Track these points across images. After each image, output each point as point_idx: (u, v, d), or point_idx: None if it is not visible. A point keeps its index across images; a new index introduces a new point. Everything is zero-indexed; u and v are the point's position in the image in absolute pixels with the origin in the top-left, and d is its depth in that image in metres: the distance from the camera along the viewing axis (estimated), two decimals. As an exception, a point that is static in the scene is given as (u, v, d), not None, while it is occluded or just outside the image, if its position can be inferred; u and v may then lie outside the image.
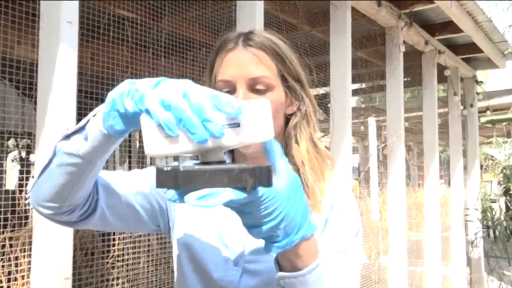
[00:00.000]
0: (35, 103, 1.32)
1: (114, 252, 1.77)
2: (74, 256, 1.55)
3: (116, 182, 0.82)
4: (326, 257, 0.66)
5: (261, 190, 0.54)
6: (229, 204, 0.53)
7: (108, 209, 0.79)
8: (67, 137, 0.68)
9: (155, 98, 0.55)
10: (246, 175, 0.52)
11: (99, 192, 0.78)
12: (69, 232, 1.29)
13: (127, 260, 1.83)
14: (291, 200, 0.57)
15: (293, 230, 0.58)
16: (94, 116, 0.66)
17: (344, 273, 0.74)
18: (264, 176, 0.53)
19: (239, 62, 0.79)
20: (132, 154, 4.41)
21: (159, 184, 0.52)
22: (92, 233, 1.80)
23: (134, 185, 0.84)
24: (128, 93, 0.58)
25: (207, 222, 0.85)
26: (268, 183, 0.54)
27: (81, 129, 0.67)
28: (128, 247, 1.83)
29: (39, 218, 1.26)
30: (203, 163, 0.55)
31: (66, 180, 0.68)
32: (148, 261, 1.96)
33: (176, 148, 0.54)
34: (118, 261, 1.78)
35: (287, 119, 0.85)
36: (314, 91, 4.15)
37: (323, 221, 0.79)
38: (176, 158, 0.64)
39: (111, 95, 0.61)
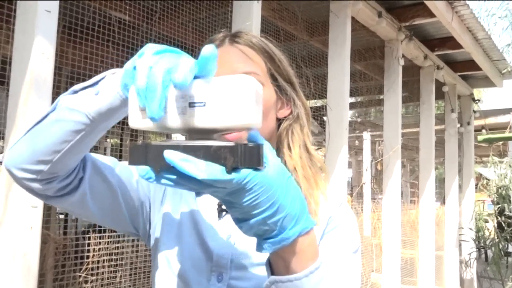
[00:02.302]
0: (7, 96, 1.21)
1: (88, 264, 1.62)
2: (41, 269, 1.42)
3: (107, 165, 0.74)
4: (326, 262, 0.57)
5: (247, 174, 0.45)
6: (213, 189, 0.46)
7: (90, 192, 0.71)
8: (75, 92, 0.60)
9: (144, 64, 0.49)
10: (226, 152, 0.44)
11: (86, 170, 0.70)
12: (35, 240, 1.17)
13: (102, 274, 1.69)
14: (286, 188, 0.50)
15: (289, 223, 0.50)
16: (113, 74, 0.59)
17: None
18: (252, 156, 0.45)
19: (225, 59, 0.74)
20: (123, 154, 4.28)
21: (131, 161, 0.46)
22: (64, 243, 1.66)
23: (123, 175, 0.76)
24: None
25: (191, 231, 0.77)
26: (257, 164, 0.45)
27: (94, 84, 0.59)
28: (103, 260, 1.69)
29: (1, 222, 1.13)
30: (187, 139, 0.49)
31: (59, 139, 0.60)
32: (126, 275, 1.82)
33: (144, 123, 0.48)
34: (92, 275, 1.65)
35: (279, 124, 0.79)
36: (310, 103, 4.08)
37: (320, 234, 0.71)
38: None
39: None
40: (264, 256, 0.70)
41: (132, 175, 0.78)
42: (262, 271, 0.70)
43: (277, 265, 0.55)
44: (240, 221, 0.50)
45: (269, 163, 0.49)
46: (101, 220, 0.79)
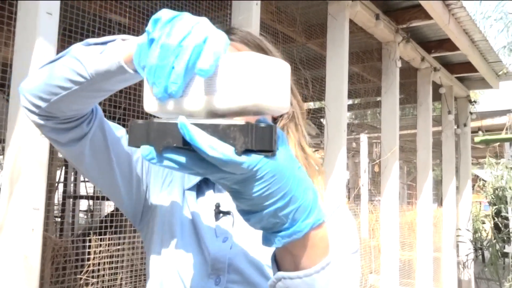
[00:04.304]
0: (7, 101, 1.20)
1: (88, 267, 1.62)
2: (42, 271, 1.41)
3: (113, 133, 0.75)
4: (336, 258, 0.54)
5: (259, 160, 0.42)
6: (220, 175, 0.42)
7: (90, 148, 0.71)
8: (88, 44, 0.62)
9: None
10: (235, 131, 0.40)
11: (92, 127, 0.71)
12: (37, 242, 1.16)
13: (103, 276, 1.68)
14: (298, 177, 0.46)
15: (302, 215, 0.46)
16: (123, 40, 0.59)
17: None
18: (264, 137, 0.41)
19: None
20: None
21: (131, 141, 0.43)
22: (65, 245, 1.66)
23: (126, 147, 0.76)
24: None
25: (190, 231, 0.75)
26: (269, 147, 0.41)
27: (103, 43, 0.60)
28: (104, 262, 1.68)
29: (2, 225, 1.13)
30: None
31: (58, 83, 0.62)
32: (126, 277, 1.81)
33: (161, 107, 0.47)
34: (92, 277, 1.64)
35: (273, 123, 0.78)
36: (308, 105, 4.07)
37: None
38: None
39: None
40: (265, 257, 0.70)
41: (135, 152, 0.78)
42: (262, 274, 0.70)
43: (284, 261, 0.51)
44: (247, 213, 0.46)
45: (280, 149, 0.44)
46: (95, 181, 0.79)
